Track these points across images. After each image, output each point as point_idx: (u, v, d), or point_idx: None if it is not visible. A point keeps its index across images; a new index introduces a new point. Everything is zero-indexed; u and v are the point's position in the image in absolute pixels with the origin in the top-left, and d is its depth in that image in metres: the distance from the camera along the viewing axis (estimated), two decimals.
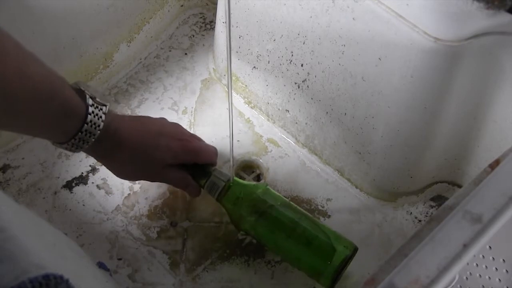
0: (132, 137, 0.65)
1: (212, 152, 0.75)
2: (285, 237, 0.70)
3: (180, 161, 0.71)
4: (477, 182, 0.48)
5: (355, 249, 0.69)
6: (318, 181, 0.84)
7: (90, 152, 0.64)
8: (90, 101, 0.59)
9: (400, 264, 0.41)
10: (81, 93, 0.59)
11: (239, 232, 0.77)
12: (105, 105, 0.61)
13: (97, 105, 0.60)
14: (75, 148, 0.60)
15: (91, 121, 0.59)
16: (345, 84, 0.74)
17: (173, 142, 0.70)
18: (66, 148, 0.60)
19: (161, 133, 0.69)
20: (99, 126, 0.60)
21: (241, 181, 0.75)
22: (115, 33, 0.91)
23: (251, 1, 0.79)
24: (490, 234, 0.41)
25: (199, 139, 0.77)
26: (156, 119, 0.73)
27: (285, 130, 0.88)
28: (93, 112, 0.59)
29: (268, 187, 0.75)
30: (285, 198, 0.74)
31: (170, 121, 0.75)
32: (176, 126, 0.75)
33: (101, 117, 0.60)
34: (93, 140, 0.60)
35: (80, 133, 0.59)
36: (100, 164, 0.83)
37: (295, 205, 0.73)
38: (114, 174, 0.70)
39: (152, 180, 0.74)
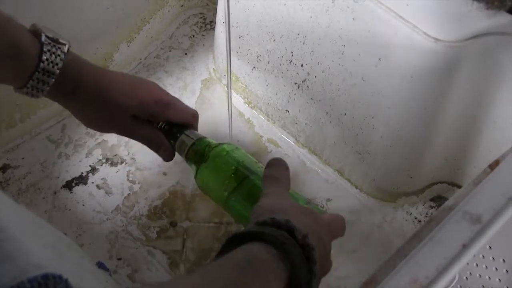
0: (96, 79, 0.59)
1: (187, 111, 0.66)
2: (231, 188, 0.61)
3: (149, 113, 0.63)
4: (476, 183, 0.48)
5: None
6: (318, 181, 0.84)
7: (54, 97, 0.59)
8: (46, 39, 0.55)
9: (400, 264, 0.41)
10: (35, 32, 0.55)
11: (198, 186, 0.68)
12: (65, 44, 0.56)
13: (55, 44, 0.55)
14: (36, 92, 0.56)
15: (47, 59, 0.54)
16: (345, 84, 0.74)
17: (142, 90, 0.63)
18: (27, 93, 0.56)
19: (131, 81, 0.63)
20: (57, 64, 0.55)
21: (210, 140, 0.67)
22: (115, 33, 0.91)
23: (251, 1, 0.79)
24: (489, 234, 0.41)
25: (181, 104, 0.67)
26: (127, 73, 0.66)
27: (285, 130, 0.88)
28: (49, 50, 0.54)
29: (237, 147, 0.66)
30: (251, 158, 0.65)
31: None
32: (150, 81, 0.67)
33: (59, 55, 0.55)
34: (53, 80, 0.55)
35: (37, 73, 0.54)
36: (100, 164, 0.83)
37: (260, 165, 0.64)
38: (82, 122, 0.64)
39: (120, 132, 0.65)
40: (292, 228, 0.44)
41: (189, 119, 0.66)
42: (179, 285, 0.40)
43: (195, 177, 0.64)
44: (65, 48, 0.56)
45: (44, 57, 0.54)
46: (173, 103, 0.64)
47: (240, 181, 0.60)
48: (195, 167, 0.64)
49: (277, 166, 0.56)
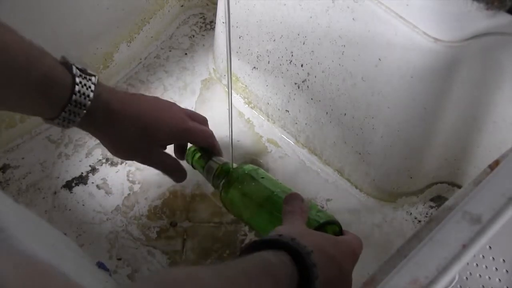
0: (126, 110, 0.61)
1: (206, 133, 0.69)
2: (256, 206, 0.67)
3: (174, 141, 0.68)
4: (476, 183, 0.48)
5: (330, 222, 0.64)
6: (318, 181, 0.84)
7: (84, 126, 0.61)
8: (76, 71, 0.56)
9: (399, 264, 0.41)
10: (66, 65, 0.56)
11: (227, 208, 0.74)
12: (94, 75, 0.58)
13: (85, 75, 0.57)
14: (67, 123, 0.57)
15: (79, 91, 0.55)
16: (345, 85, 0.74)
17: (171, 120, 0.65)
18: (58, 124, 0.57)
19: (160, 109, 0.65)
20: (88, 96, 0.56)
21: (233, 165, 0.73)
22: (115, 33, 0.91)
23: (251, 1, 0.79)
24: (489, 234, 0.41)
25: (196, 116, 0.70)
26: (149, 95, 0.68)
27: (285, 130, 0.88)
28: (80, 82, 0.56)
29: (259, 168, 0.72)
30: (273, 178, 0.71)
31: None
32: (173, 103, 0.69)
33: (90, 87, 0.56)
34: (84, 111, 0.57)
35: (69, 105, 0.56)
36: (100, 164, 0.83)
37: (281, 184, 0.71)
38: (109, 151, 0.66)
39: (143, 160, 0.68)
40: (295, 245, 0.47)
41: (209, 141, 0.70)
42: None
43: (221, 197, 0.70)
44: (95, 80, 0.58)
45: (77, 89, 0.56)
46: (194, 129, 0.67)
47: (262, 202, 0.67)
48: (221, 187, 0.70)
49: (293, 202, 0.60)
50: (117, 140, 0.64)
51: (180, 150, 0.72)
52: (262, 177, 0.70)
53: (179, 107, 0.68)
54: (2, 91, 0.52)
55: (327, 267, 0.49)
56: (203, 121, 0.71)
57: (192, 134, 0.67)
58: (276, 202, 0.65)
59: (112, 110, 0.60)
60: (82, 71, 0.57)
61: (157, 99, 0.68)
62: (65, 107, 0.56)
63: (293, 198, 0.61)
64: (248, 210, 0.68)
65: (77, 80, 0.56)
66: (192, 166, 0.73)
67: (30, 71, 0.52)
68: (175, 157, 0.70)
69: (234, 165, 0.72)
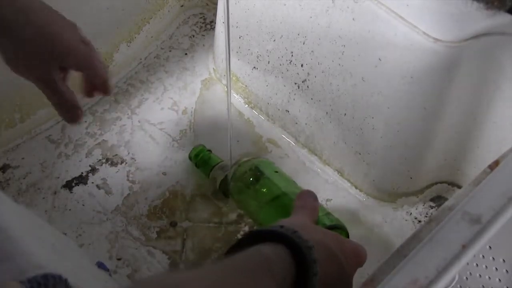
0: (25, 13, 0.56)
1: (90, 56, 0.62)
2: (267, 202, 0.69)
3: (59, 59, 0.59)
4: (476, 183, 0.48)
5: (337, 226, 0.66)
6: (318, 181, 0.84)
7: None
8: None
9: (399, 264, 0.41)
10: None
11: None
12: None
13: None
14: None
15: None
16: (345, 85, 0.74)
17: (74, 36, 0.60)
18: None
19: (55, 22, 0.60)
20: None
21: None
22: (115, 33, 0.91)
23: (251, 1, 0.79)
24: (489, 235, 0.41)
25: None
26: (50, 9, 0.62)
27: (285, 130, 0.88)
28: None
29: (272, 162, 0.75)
30: (284, 174, 0.74)
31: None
32: (67, 22, 0.63)
33: None
34: None
35: None
36: (100, 164, 0.83)
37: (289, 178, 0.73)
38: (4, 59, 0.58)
39: (39, 79, 0.59)
40: (296, 238, 0.45)
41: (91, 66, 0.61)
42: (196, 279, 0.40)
43: (230, 191, 0.75)
44: None
45: None
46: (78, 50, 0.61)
47: (273, 198, 0.69)
48: (231, 182, 0.74)
49: (306, 197, 0.60)
50: (11, 44, 0.56)
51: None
52: (276, 171, 0.70)
53: (76, 29, 0.63)
54: None
55: (328, 264, 0.47)
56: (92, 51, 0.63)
57: (74, 55, 0.60)
58: (287, 199, 0.67)
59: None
60: None
61: (55, 14, 0.61)
62: None
63: (307, 194, 0.60)
64: (257, 205, 0.69)
65: None
66: (196, 165, 0.75)
67: None
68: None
69: (241, 161, 0.75)
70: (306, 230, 0.48)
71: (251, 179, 0.71)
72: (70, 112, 0.61)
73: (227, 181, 0.75)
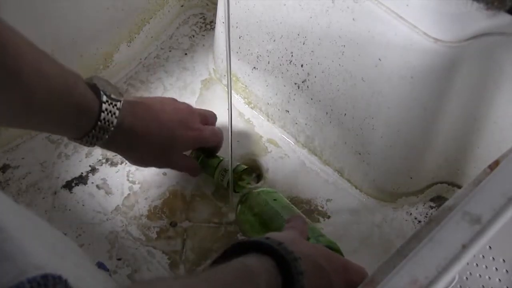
0: (148, 133, 0.66)
1: (217, 136, 0.77)
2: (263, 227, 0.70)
3: (192, 148, 0.76)
4: (476, 183, 0.48)
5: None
6: (318, 181, 0.84)
7: (106, 147, 0.65)
8: (104, 98, 0.59)
9: (399, 264, 0.41)
10: (95, 89, 0.60)
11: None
12: (119, 101, 0.61)
13: (111, 101, 0.60)
14: (89, 144, 0.61)
15: (104, 118, 0.59)
16: (345, 85, 0.74)
17: (188, 133, 0.71)
18: (80, 143, 0.61)
19: (176, 125, 0.70)
20: (112, 123, 0.60)
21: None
22: (115, 33, 0.91)
23: (251, 2, 0.79)
24: (489, 235, 0.41)
25: (207, 119, 0.78)
26: (167, 103, 0.72)
27: (285, 130, 0.88)
28: (106, 109, 0.59)
29: (275, 192, 0.76)
30: (285, 201, 0.74)
31: (179, 102, 0.76)
32: (189, 112, 0.74)
33: (114, 113, 0.60)
34: (107, 137, 0.61)
35: (93, 131, 0.59)
36: (100, 164, 0.83)
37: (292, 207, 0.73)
38: (132, 164, 0.73)
39: (164, 167, 0.77)
40: (281, 250, 0.46)
41: (220, 144, 0.77)
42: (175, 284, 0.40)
43: (236, 216, 0.75)
44: (120, 105, 0.61)
45: (102, 116, 0.59)
46: (209, 138, 0.75)
47: (267, 222, 0.70)
48: (237, 208, 0.75)
49: (295, 220, 0.64)
50: (138, 158, 0.71)
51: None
52: (275, 199, 0.71)
53: (193, 112, 0.74)
54: (39, 115, 0.56)
55: (315, 276, 0.47)
56: (213, 119, 0.79)
57: (207, 141, 0.75)
58: (281, 224, 0.67)
59: (135, 135, 0.64)
60: (108, 96, 0.60)
61: (175, 106, 0.73)
62: (89, 132, 0.59)
63: (297, 217, 0.66)
64: (253, 229, 0.71)
65: (104, 107, 0.59)
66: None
67: (67, 97, 0.56)
68: (195, 161, 0.77)
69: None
70: (294, 243, 0.49)
71: (255, 209, 0.72)
72: (192, 172, 0.78)
73: (232, 177, 0.76)
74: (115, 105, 0.60)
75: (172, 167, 0.75)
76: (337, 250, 0.65)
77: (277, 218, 0.69)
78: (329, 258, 0.52)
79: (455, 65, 0.64)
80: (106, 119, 0.59)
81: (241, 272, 0.44)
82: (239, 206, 0.74)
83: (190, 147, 0.75)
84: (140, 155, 0.69)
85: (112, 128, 0.60)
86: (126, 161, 0.83)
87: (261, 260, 0.45)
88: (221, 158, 0.78)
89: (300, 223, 0.63)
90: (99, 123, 0.59)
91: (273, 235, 0.52)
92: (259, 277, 0.44)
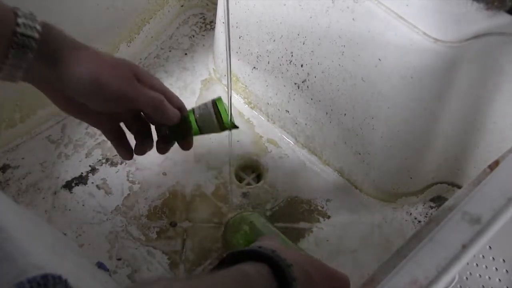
0: (85, 48, 0.55)
1: (155, 101, 0.58)
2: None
3: (119, 109, 0.57)
4: (476, 183, 0.48)
5: None
6: (318, 181, 0.84)
7: (31, 79, 0.54)
8: (19, 12, 0.50)
9: (399, 265, 0.41)
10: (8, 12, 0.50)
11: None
12: (39, 21, 0.52)
13: (29, 16, 0.51)
14: (15, 71, 0.51)
15: (22, 33, 0.49)
16: (345, 85, 0.74)
17: (117, 80, 0.56)
18: (5, 77, 0.51)
19: (108, 67, 0.56)
20: (33, 38, 0.50)
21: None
22: (115, 33, 0.91)
23: (251, 2, 0.79)
24: (489, 235, 0.41)
25: (143, 79, 0.59)
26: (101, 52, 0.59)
27: (285, 130, 0.88)
28: (24, 23, 0.50)
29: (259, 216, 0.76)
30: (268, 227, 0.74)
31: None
32: (118, 61, 0.59)
33: (35, 27, 0.50)
34: (31, 56, 0.50)
35: (11, 49, 0.49)
36: (100, 164, 0.83)
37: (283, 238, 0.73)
38: (58, 106, 0.59)
39: (95, 123, 0.61)
40: (275, 257, 0.47)
41: (158, 112, 0.59)
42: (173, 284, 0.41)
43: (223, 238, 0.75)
44: (40, 24, 0.52)
45: (19, 30, 0.49)
46: (141, 98, 0.57)
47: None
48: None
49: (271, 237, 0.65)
50: (64, 96, 0.56)
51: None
52: (252, 221, 0.72)
53: (128, 66, 0.58)
54: None
55: (305, 283, 0.49)
56: (152, 82, 0.60)
57: (138, 103, 0.57)
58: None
59: (67, 48, 0.54)
60: (27, 13, 0.51)
61: (107, 56, 0.58)
62: (7, 53, 0.49)
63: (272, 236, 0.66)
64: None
65: (20, 20, 0.50)
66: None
67: None
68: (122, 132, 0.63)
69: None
70: (282, 250, 0.50)
71: (243, 228, 0.73)
72: (120, 151, 0.64)
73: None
74: (36, 20, 0.51)
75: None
76: None
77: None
78: (316, 266, 0.53)
79: (455, 65, 0.64)
80: (26, 34, 0.50)
81: (240, 276, 0.45)
82: (224, 231, 0.75)
83: (118, 106, 0.56)
84: (65, 90, 0.54)
85: (35, 44, 0.50)
86: (126, 162, 0.83)
87: (257, 267, 0.46)
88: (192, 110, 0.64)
89: (274, 238, 0.63)
90: (15, 38, 0.49)
91: (264, 243, 0.53)
92: (257, 282, 0.45)
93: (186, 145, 0.64)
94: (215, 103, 0.62)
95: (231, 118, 0.63)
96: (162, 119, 0.59)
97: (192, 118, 0.62)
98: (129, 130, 0.64)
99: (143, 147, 0.64)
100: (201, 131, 0.63)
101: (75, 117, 0.61)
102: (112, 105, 0.56)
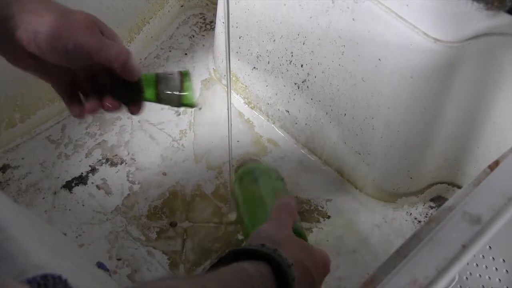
0: (38, 11, 0.50)
1: (122, 54, 0.53)
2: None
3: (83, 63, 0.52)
4: (476, 183, 0.48)
5: None
6: (318, 181, 0.84)
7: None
8: None
9: (399, 265, 0.41)
10: None
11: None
12: None
13: None
14: None
15: None
16: (345, 85, 0.74)
17: (82, 35, 0.51)
18: None
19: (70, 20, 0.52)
20: None
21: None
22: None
23: (251, 2, 0.79)
24: (489, 235, 0.41)
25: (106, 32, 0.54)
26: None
27: (285, 130, 0.88)
28: None
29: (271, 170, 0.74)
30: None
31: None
32: (79, 15, 0.54)
33: None
34: None
35: None
36: (100, 164, 0.83)
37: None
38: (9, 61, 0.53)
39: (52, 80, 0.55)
40: (277, 257, 0.47)
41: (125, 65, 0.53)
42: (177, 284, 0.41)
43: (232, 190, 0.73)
44: None
45: None
46: (109, 50, 0.52)
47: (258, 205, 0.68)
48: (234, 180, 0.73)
49: (287, 199, 0.62)
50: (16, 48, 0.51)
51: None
52: (266, 178, 0.71)
53: (90, 17, 0.55)
54: None
55: (303, 279, 0.50)
56: (113, 35, 0.55)
57: (107, 56, 0.52)
58: (271, 203, 0.66)
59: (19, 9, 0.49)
60: None
61: (66, 7, 0.54)
62: None
63: (289, 198, 0.63)
64: (246, 204, 0.69)
65: None
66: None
67: None
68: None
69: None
70: (286, 245, 0.51)
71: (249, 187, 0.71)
72: (72, 108, 0.56)
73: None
74: None
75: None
76: (304, 237, 0.65)
77: (269, 199, 0.68)
78: (312, 257, 0.54)
79: (455, 65, 0.64)
80: None
81: (240, 274, 0.45)
82: (235, 181, 0.72)
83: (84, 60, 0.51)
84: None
85: None
86: (126, 162, 0.83)
87: (258, 265, 0.47)
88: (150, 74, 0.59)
89: (290, 205, 0.61)
90: None
91: (266, 236, 0.52)
92: (257, 281, 0.45)
93: (136, 109, 0.57)
94: (183, 75, 0.58)
95: (192, 96, 0.57)
96: (126, 73, 0.53)
97: (151, 81, 0.57)
98: (79, 86, 0.57)
99: (95, 104, 0.56)
100: (158, 99, 0.57)
101: (23, 70, 0.54)
102: (76, 59, 0.51)
